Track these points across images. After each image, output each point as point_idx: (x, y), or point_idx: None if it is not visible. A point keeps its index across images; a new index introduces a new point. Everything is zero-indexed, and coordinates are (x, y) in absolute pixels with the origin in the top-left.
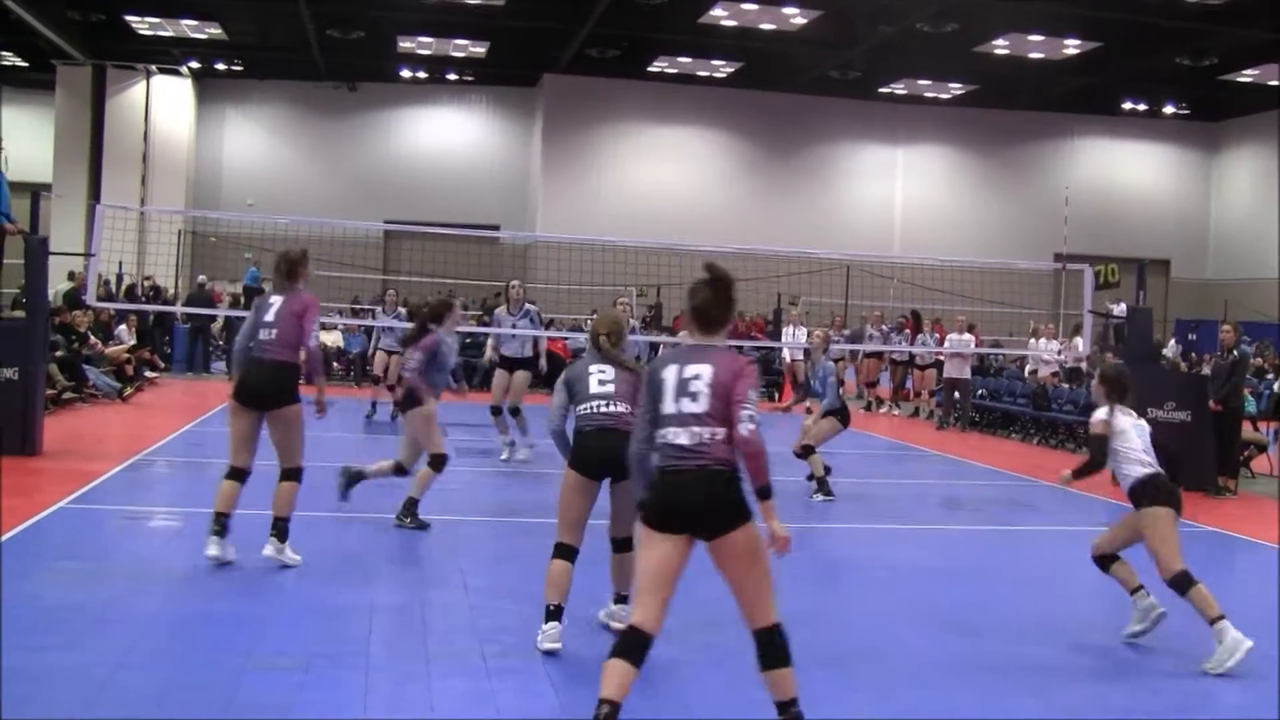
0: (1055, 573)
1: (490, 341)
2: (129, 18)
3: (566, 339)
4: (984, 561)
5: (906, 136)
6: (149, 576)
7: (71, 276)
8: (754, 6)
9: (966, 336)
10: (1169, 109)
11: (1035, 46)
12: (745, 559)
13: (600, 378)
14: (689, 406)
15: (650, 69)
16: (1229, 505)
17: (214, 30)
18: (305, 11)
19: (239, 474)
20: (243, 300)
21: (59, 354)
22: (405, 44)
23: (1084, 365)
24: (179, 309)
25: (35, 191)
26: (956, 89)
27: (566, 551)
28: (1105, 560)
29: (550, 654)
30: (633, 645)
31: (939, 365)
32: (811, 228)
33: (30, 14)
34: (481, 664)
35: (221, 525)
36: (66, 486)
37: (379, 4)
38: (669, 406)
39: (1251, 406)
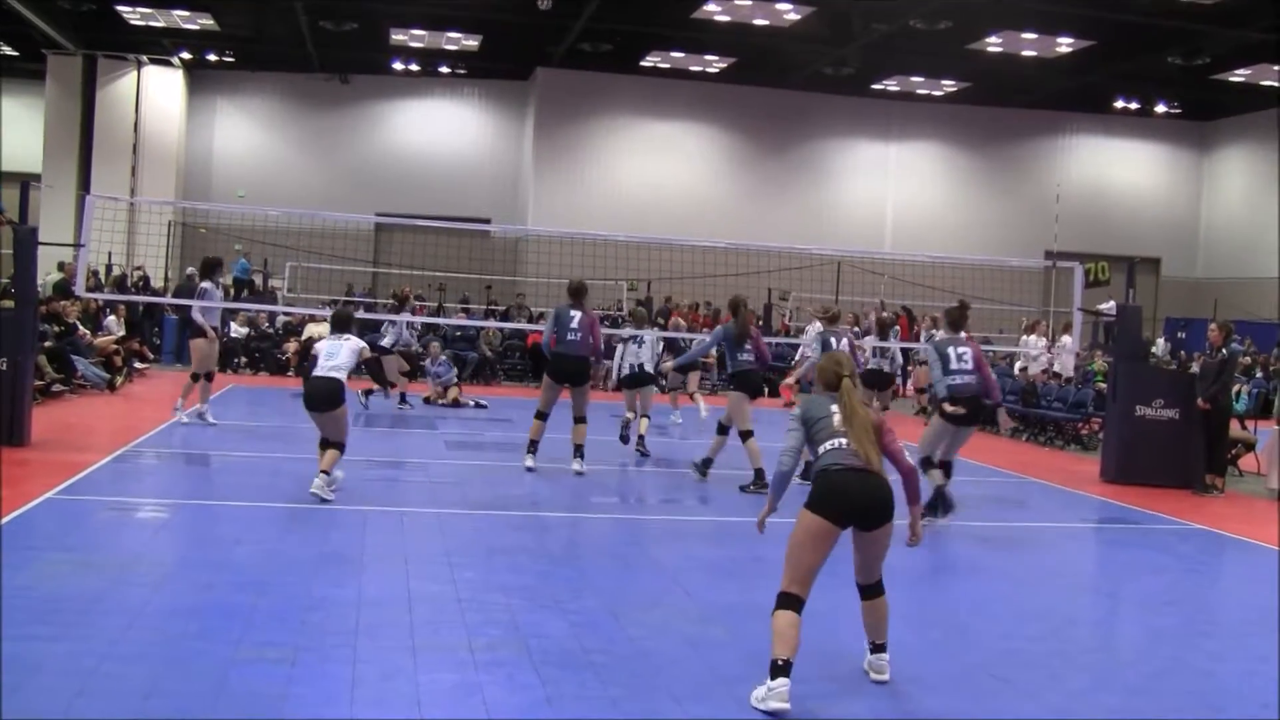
0: (1043, 569)
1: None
2: (120, 8)
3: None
4: (973, 558)
5: (899, 133)
6: (137, 568)
7: (61, 267)
8: (747, 2)
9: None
10: (1161, 108)
11: (1028, 44)
12: None
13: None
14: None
15: (643, 64)
16: (1217, 504)
17: (206, 21)
18: (298, 3)
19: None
20: (231, 292)
21: (47, 344)
22: (398, 36)
23: (1072, 361)
24: (168, 300)
25: (25, 181)
26: (949, 86)
27: (794, 602)
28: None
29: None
30: None
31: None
32: (803, 224)
33: (20, 3)
34: (469, 657)
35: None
36: (55, 477)
37: None
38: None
39: (1241, 405)
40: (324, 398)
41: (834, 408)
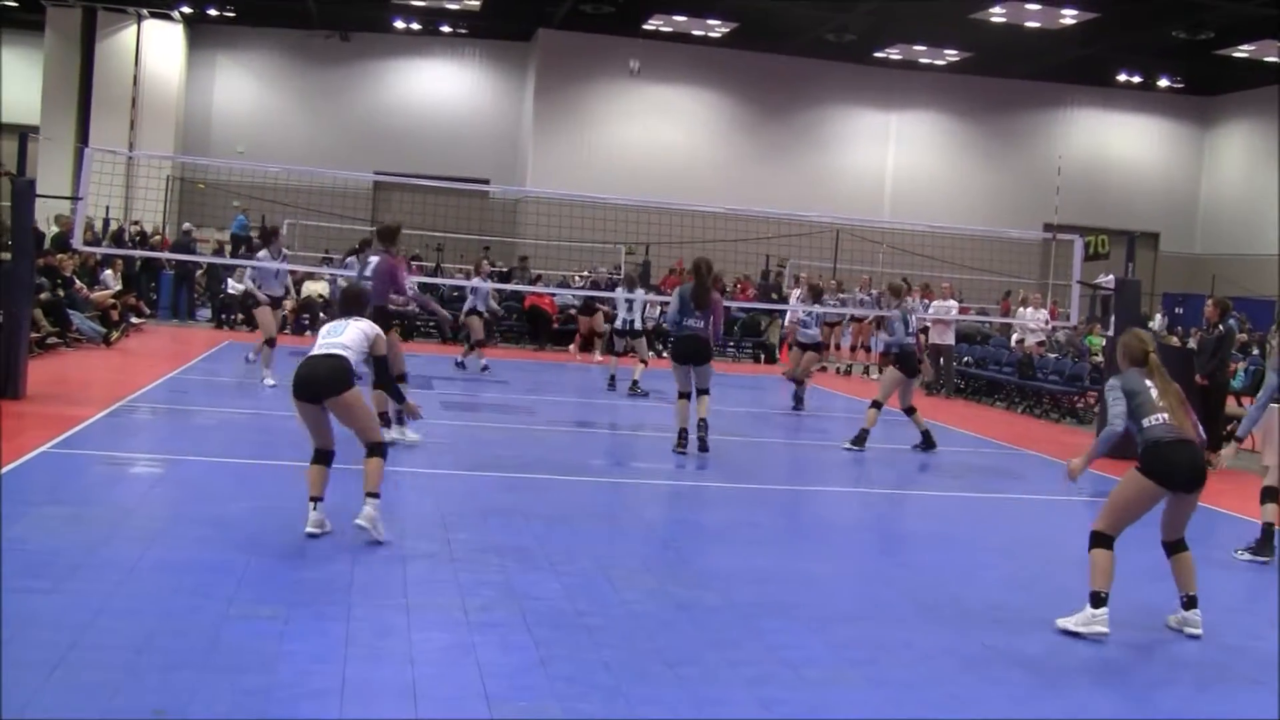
0: (1035, 540)
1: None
2: None
3: (554, 295)
4: (966, 527)
5: (900, 102)
6: (131, 522)
7: (58, 220)
8: None
9: (951, 303)
10: (1163, 82)
11: (1032, 15)
12: None
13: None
14: None
15: (645, 26)
16: (1212, 480)
17: None
18: None
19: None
20: (229, 249)
21: (44, 297)
22: None
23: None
24: (166, 255)
25: (23, 133)
26: (951, 56)
27: (1109, 542)
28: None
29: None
30: None
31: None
32: (802, 190)
33: None
34: (463, 617)
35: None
36: (50, 431)
37: None
38: None
39: (1239, 382)
40: (326, 379)
41: (1148, 383)
